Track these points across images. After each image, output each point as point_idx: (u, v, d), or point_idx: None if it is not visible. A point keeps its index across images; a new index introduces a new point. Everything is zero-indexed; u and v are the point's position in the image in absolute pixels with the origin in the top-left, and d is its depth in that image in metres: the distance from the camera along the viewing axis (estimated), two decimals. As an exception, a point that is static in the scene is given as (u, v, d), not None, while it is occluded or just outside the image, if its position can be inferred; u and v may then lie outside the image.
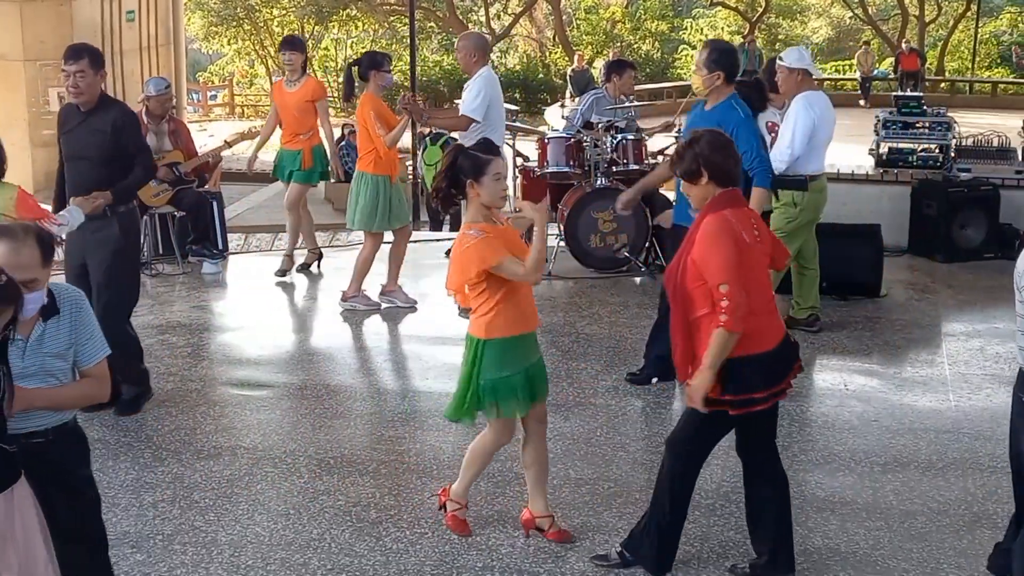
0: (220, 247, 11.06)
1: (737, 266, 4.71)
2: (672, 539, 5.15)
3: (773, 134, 8.73)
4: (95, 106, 6.82)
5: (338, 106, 28.14)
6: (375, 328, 9.01)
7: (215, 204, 11.02)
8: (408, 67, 15.60)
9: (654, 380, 7.53)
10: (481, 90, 8.70)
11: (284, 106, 10.07)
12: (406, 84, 31.74)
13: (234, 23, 37.89)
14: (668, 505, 5.08)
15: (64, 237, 6.32)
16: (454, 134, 9.33)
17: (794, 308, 8.69)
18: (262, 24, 38.41)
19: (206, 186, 10.92)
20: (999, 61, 38.19)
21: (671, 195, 11.09)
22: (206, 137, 20.45)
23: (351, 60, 10.15)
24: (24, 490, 3.89)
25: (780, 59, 8.73)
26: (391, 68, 9.38)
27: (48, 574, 3.95)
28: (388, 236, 9.37)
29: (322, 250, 10.76)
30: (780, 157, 8.25)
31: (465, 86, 9.07)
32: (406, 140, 13.72)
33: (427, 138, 10.90)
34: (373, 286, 9.33)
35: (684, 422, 5.12)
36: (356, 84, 9.51)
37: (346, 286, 9.29)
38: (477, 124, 8.63)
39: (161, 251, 11.04)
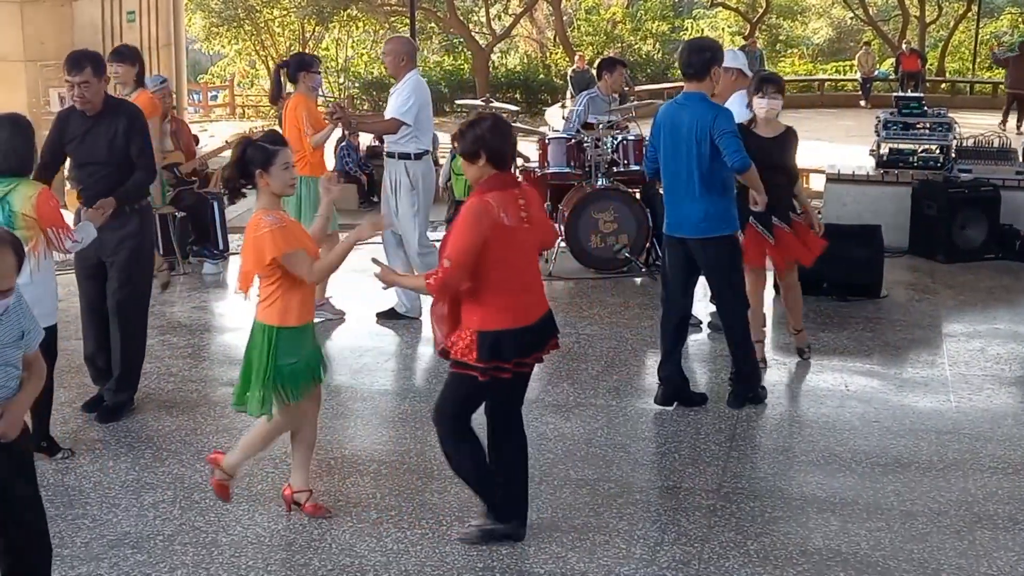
0: (221, 247, 11.07)
1: (471, 253, 5.00)
2: (489, 489, 5.43)
3: None
4: (102, 110, 6.79)
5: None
6: (375, 329, 9.01)
7: (216, 204, 11.02)
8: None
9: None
10: (411, 94, 8.66)
11: None
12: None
13: (235, 24, 37.90)
14: (467, 471, 5.40)
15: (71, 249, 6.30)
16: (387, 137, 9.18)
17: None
18: (263, 25, 38.41)
19: (207, 187, 10.93)
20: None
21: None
22: (206, 137, 20.45)
23: (279, 62, 9.98)
24: None
25: None
26: (320, 69, 9.34)
27: None
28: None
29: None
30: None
31: (392, 90, 9.01)
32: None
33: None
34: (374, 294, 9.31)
35: (443, 389, 5.43)
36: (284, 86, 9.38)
37: (332, 288, 9.26)
38: (407, 128, 8.62)
39: (162, 252, 11.03)
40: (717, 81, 7.11)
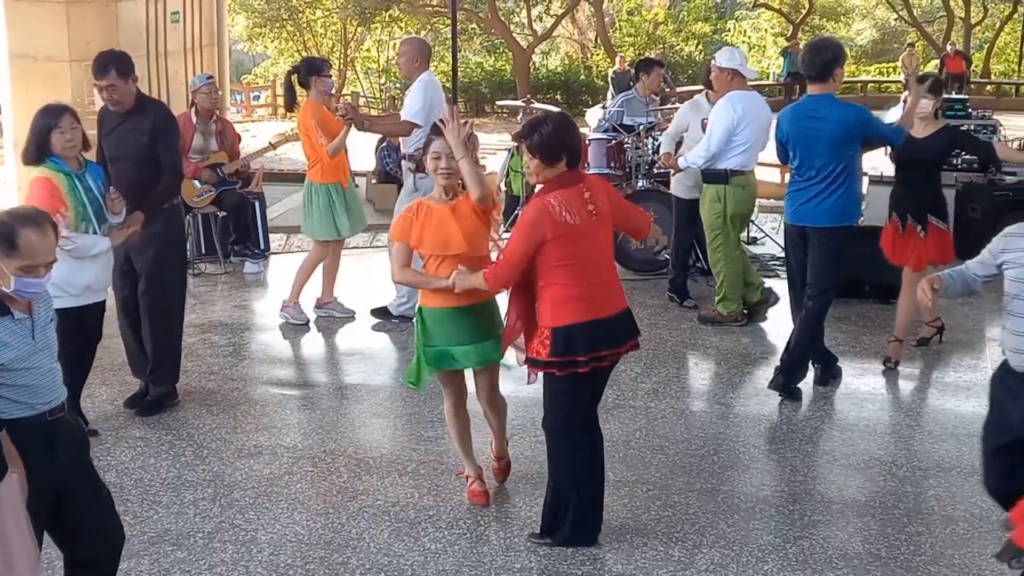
0: (262, 247, 11.14)
1: (524, 255, 5.08)
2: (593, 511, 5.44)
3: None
4: (132, 108, 6.89)
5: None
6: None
7: (257, 204, 11.09)
8: (450, 68, 15.60)
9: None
10: (423, 95, 8.58)
11: None
12: (447, 85, 31.84)
13: (277, 24, 38.10)
14: (571, 481, 5.34)
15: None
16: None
17: (748, 291, 9.15)
18: (305, 25, 38.59)
19: (249, 187, 10.99)
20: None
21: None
22: (249, 138, 20.60)
23: (289, 68, 9.78)
24: (12, 485, 3.91)
25: (714, 59, 9.00)
26: (331, 73, 9.20)
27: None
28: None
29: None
30: (698, 154, 8.60)
31: (407, 91, 8.92)
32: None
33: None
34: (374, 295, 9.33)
35: (546, 405, 5.38)
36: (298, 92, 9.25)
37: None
38: (420, 129, 8.52)
39: (204, 251, 11.11)
40: (839, 82, 7.18)
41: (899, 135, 7.30)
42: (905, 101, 7.97)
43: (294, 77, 9.13)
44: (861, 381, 7.79)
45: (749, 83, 8.79)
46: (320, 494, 6.00)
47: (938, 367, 8.08)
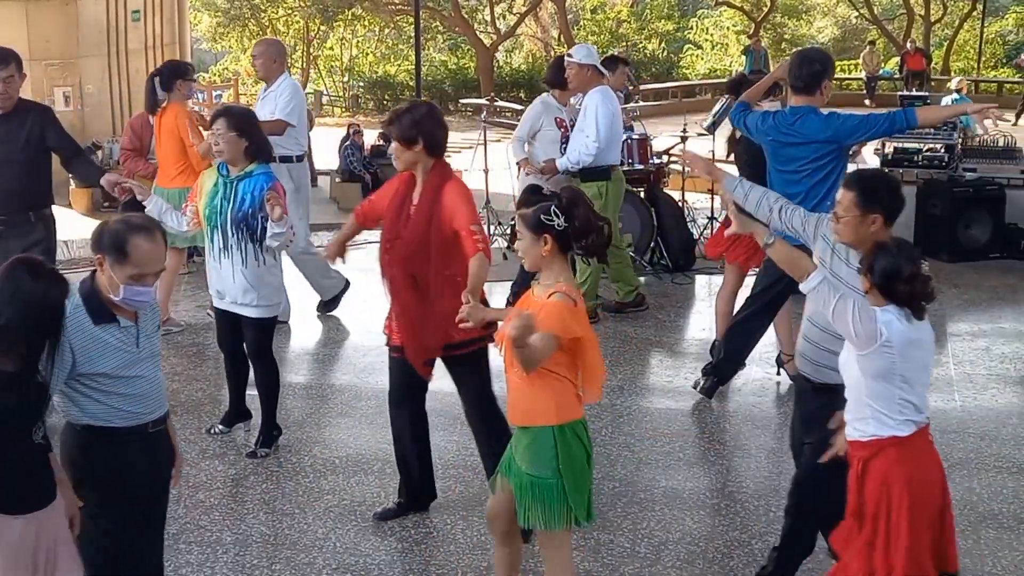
0: (226, 246, 11.05)
1: None
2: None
3: (562, 129, 8.90)
4: (13, 109, 6.77)
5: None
6: (378, 328, 8.99)
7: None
8: (414, 66, 15.59)
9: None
10: (292, 96, 8.56)
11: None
12: (411, 84, 31.68)
13: (240, 23, 37.94)
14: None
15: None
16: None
17: (619, 293, 9.14)
18: (267, 24, 38.43)
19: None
20: (1004, 61, 38.19)
21: (676, 195, 11.12)
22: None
23: (152, 71, 9.17)
24: (59, 509, 3.84)
25: (569, 55, 8.90)
26: (195, 77, 8.96)
27: None
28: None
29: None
30: (587, 151, 8.47)
31: (265, 93, 8.81)
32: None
33: None
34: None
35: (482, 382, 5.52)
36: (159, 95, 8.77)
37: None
38: (292, 128, 8.52)
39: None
40: (827, 95, 6.61)
41: (907, 120, 6.63)
42: (959, 90, 7.74)
43: (156, 80, 8.71)
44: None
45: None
46: (285, 494, 5.98)
47: (901, 362, 8.13)
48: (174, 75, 8.66)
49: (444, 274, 5.23)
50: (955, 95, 18.04)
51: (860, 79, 33.15)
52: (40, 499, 3.73)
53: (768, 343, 7.62)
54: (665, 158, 11.43)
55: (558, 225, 4.12)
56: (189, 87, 8.81)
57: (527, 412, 4.30)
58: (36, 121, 6.76)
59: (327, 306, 9.28)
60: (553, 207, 4.13)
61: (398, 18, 37.90)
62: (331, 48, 41.68)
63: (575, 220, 4.14)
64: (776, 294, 6.89)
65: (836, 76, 34.58)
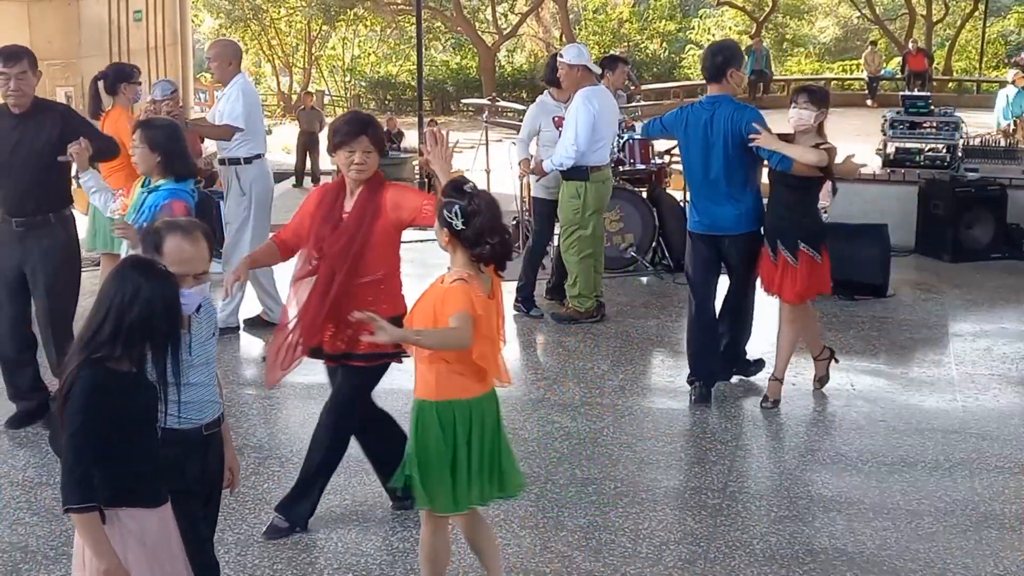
0: (222, 247, 11.03)
1: None
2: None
3: (561, 128, 8.88)
4: (30, 109, 6.61)
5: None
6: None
7: (220, 204, 11.01)
8: (415, 67, 15.59)
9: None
10: (241, 98, 8.42)
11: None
12: (413, 84, 31.71)
13: (242, 23, 37.97)
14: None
15: None
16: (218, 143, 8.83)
17: (578, 302, 8.98)
18: (269, 24, 38.47)
19: (212, 186, 10.92)
20: (1006, 61, 38.15)
21: (678, 195, 11.13)
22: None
23: (96, 74, 8.94)
24: (169, 508, 3.80)
25: (560, 56, 8.92)
26: (140, 80, 8.87)
27: None
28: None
29: None
30: (566, 153, 8.51)
31: (219, 95, 8.73)
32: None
33: None
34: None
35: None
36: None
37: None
38: (241, 132, 8.40)
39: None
40: (737, 83, 7.19)
41: (781, 163, 6.84)
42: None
43: (101, 83, 8.63)
44: (826, 377, 7.83)
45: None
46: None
47: (902, 363, 8.14)
48: (119, 78, 8.60)
49: (365, 281, 5.23)
50: (1012, 88, 17.52)
51: (862, 79, 33.16)
52: (165, 493, 3.74)
53: (770, 343, 7.61)
54: (667, 158, 11.43)
55: (455, 226, 4.26)
56: (135, 91, 8.70)
57: (416, 385, 4.49)
58: (56, 123, 6.59)
59: (256, 324, 8.83)
60: (457, 207, 4.25)
61: (400, 18, 37.93)
62: (333, 48, 41.74)
63: (470, 228, 4.25)
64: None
65: (838, 77, 34.57)
